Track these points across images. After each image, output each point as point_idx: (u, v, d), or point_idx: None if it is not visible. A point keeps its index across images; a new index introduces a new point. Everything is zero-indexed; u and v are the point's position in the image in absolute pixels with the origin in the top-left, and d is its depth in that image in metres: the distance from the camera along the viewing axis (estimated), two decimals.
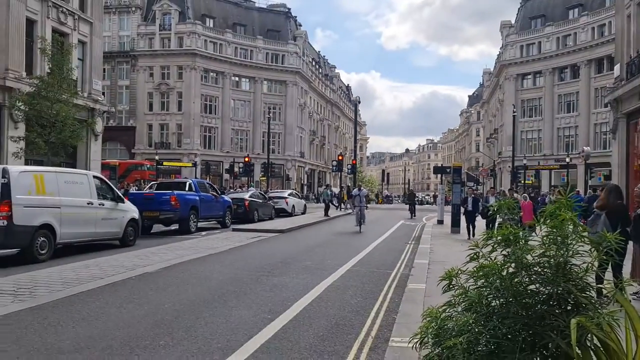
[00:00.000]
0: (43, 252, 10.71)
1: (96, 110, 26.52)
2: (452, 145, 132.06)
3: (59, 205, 11.18)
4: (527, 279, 2.47)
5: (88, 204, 12.15)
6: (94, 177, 13.27)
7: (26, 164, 19.94)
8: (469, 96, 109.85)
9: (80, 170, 17.93)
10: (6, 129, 21.08)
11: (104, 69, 44.46)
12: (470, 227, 16.67)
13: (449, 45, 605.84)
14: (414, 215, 30.42)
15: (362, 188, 22.16)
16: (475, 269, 2.55)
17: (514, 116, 44.17)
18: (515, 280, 2.46)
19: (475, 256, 2.63)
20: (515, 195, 18.41)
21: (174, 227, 18.30)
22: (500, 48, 62.54)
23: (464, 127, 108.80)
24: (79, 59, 25.84)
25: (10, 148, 20.48)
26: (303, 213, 30.15)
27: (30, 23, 22.82)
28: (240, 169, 46.68)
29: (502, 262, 2.52)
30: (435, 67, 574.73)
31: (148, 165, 45.32)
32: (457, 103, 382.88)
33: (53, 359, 4.83)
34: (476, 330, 2.36)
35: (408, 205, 32.80)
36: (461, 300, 2.53)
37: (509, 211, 2.90)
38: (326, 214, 28.52)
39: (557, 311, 2.37)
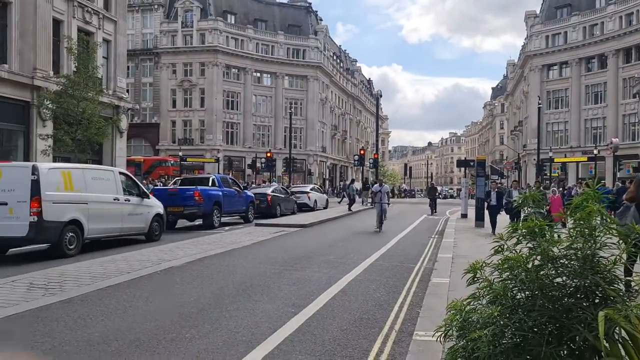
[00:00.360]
0: (72, 247, 10.94)
1: (121, 107, 26.94)
2: (476, 139, 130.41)
3: (86, 202, 11.42)
4: (553, 272, 2.44)
5: (114, 199, 12.37)
6: (120, 173, 13.49)
7: (54, 161, 20.43)
8: (493, 88, 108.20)
9: (106, 166, 18.28)
10: (35, 127, 21.60)
11: (128, 67, 45.10)
12: (493, 222, 16.17)
13: (472, 37, 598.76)
14: (435, 211, 28.60)
15: (383, 183, 20.37)
16: (500, 261, 2.52)
17: (539, 108, 43.39)
18: (541, 272, 2.43)
19: (499, 249, 2.60)
20: (541, 188, 17.98)
21: (198, 222, 18.53)
22: (525, 39, 61.36)
23: (487, 120, 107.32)
24: (103, 57, 26.26)
25: (38, 146, 20.99)
26: (325, 208, 30.23)
27: (57, 23, 23.28)
28: (263, 164, 46.95)
29: (528, 254, 2.49)
30: (458, 60, 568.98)
31: (172, 162, 45.89)
32: (480, 95, 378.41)
33: (83, 350, 4.95)
34: (501, 322, 2.33)
35: (429, 200, 31.00)
36: (486, 293, 2.50)
37: (535, 204, 2.85)
38: (350, 208, 28.52)
39: (584, 304, 2.34)
